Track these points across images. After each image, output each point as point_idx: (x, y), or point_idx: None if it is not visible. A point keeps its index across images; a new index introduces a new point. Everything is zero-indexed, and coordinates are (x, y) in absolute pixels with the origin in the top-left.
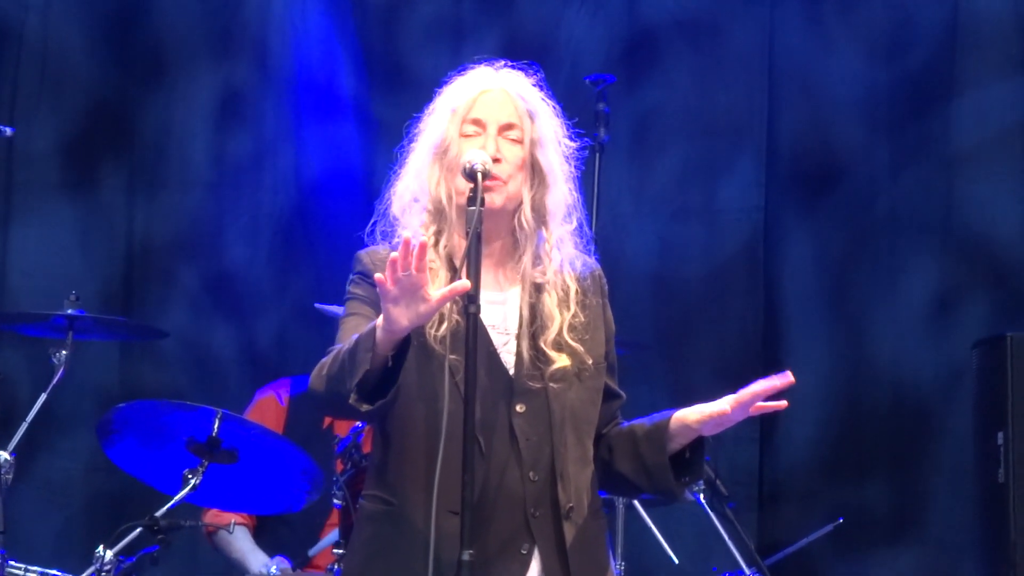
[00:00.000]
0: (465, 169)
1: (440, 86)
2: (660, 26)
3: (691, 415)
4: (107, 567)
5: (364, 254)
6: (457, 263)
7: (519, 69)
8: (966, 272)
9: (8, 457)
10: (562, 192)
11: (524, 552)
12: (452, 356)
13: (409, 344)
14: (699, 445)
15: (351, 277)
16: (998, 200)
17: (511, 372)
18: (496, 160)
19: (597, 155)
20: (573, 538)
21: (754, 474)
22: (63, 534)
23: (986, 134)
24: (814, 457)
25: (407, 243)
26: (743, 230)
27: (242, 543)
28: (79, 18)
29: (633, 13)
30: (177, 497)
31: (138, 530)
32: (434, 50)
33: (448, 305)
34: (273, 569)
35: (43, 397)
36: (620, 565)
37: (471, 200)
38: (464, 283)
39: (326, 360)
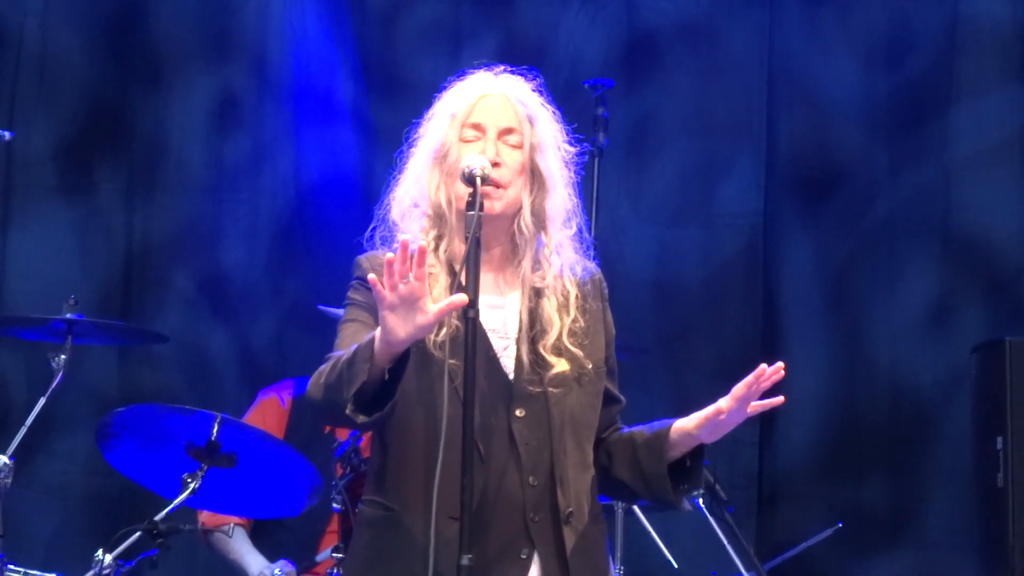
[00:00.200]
0: (464, 174)
1: (438, 90)
2: (659, 30)
3: (691, 422)
4: (106, 571)
5: (364, 259)
6: (457, 268)
7: (519, 74)
8: (965, 277)
9: (7, 461)
10: (562, 197)
11: (524, 557)
12: (451, 361)
13: (408, 358)
14: (699, 453)
15: (351, 283)
16: (997, 205)
17: (511, 377)
18: (496, 165)
19: (596, 159)
20: (573, 543)
21: (753, 478)
22: (62, 538)
23: (985, 138)
24: (813, 461)
25: (405, 246)
26: (742, 234)
27: (240, 544)
28: (78, 22)
29: (632, 17)
30: (176, 501)
31: (137, 534)
32: (432, 54)
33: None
34: (277, 572)
35: (42, 401)
36: (619, 569)
37: (470, 205)
38: (462, 297)
39: (324, 368)
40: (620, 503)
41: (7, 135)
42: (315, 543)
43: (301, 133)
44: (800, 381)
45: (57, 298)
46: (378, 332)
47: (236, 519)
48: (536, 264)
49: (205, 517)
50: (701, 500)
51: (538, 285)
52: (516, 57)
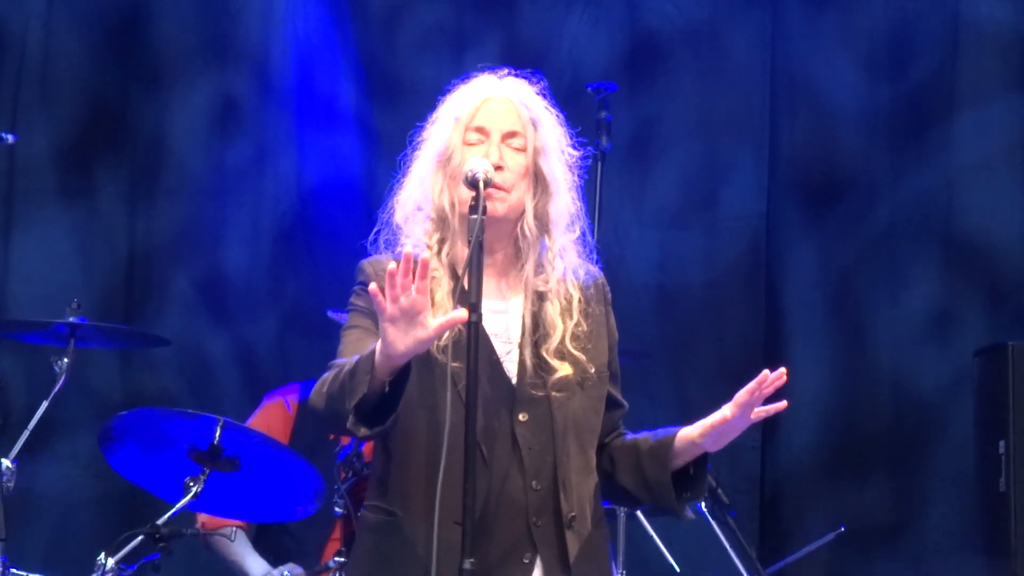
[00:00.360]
0: (467, 177)
1: (441, 94)
2: (661, 34)
3: (695, 430)
4: (108, 575)
5: (367, 264)
6: (460, 271)
7: (523, 77)
8: (967, 281)
9: (10, 464)
10: (565, 201)
11: (526, 561)
12: (454, 364)
13: (409, 372)
14: (702, 462)
15: (354, 288)
16: (999, 209)
17: (513, 381)
18: (499, 168)
19: (599, 163)
20: (575, 547)
21: (755, 481)
22: (64, 541)
23: (987, 143)
24: (815, 465)
25: (407, 258)
26: (745, 238)
27: (241, 547)
28: (81, 25)
29: (635, 21)
30: (179, 505)
31: (140, 538)
32: (434, 58)
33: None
34: (286, 574)
35: (45, 404)
36: (622, 574)
37: (473, 208)
38: (462, 313)
39: (327, 376)
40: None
41: (10, 138)
42: (320, 550)
43: (303, 137)
44: (802, 385)
45: (60, 302)
46: (378, 344)
47: (236, 522)
48: (539, 268)
49: (204, 519)
50: (703, 504)
51: (541, 289)
52: (519, 61)
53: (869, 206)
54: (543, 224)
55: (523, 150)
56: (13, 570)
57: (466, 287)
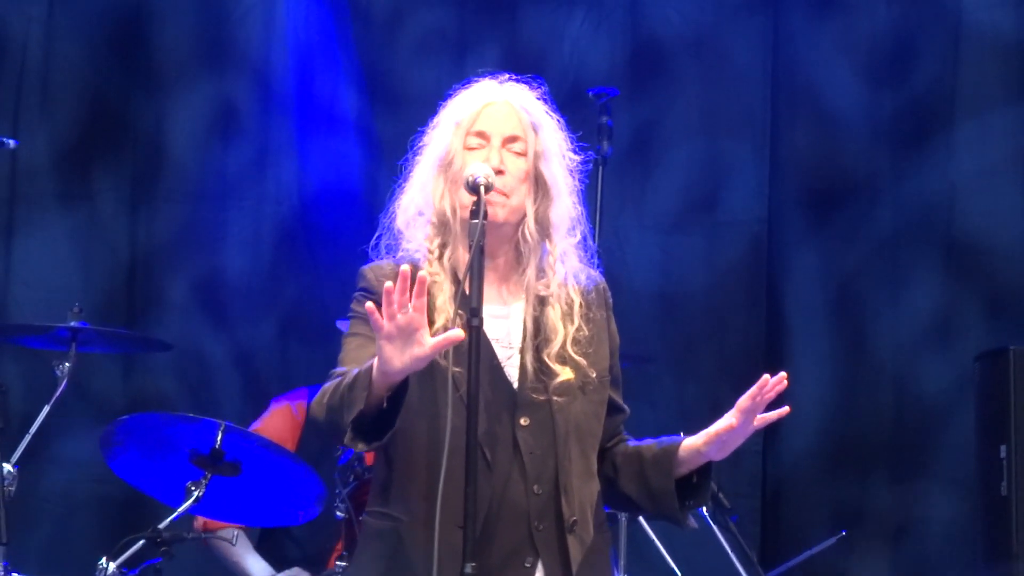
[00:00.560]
0: (468, 182)
1: (442, 99)
2: (663, 39)
3: (699, 439)
4: None
5: (368, 269)
6: (461, 276)
7: (523, 82)
8: (969, 287)
9: (11, 469)
10: (566, 205)
11: (528, 565)
12: (456, 369)
13: (407, 388)
14: (706, 470)
15: (355, 294)
16: (1001, 215)
17: (515, 386)
18: (500, 172)
19: (600, 168)
20: (577, 552)
21: (757, 485)
22: (66, 546)
23: (989, 150)
24: (817, 469)
25: (405, 276)
26: (746, 243)
27: (242, 548)
28: (82, 31)
29: (636, 26)
30: (180, 509)
31: (141, 542)
32: (436, 63)
33: (451, 319)
34: None
35: (46, 409)
36: None
37: (474, 213)
38: (458, 333)
39: (328, 387)
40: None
41: (11, 143)
42: (325, 558)
43: (303, 141)
44: (804, 388)
45: (61, 306)
46: (375, 361)
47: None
48: (540, 272)
49: (204, 520)
50: (705, 508)
51: (542, 293)
52: (520, 65)
53: (870, 211)
54: (544, 228)
55: (524, 154)
56: (15, 574)
57: (467, 292)
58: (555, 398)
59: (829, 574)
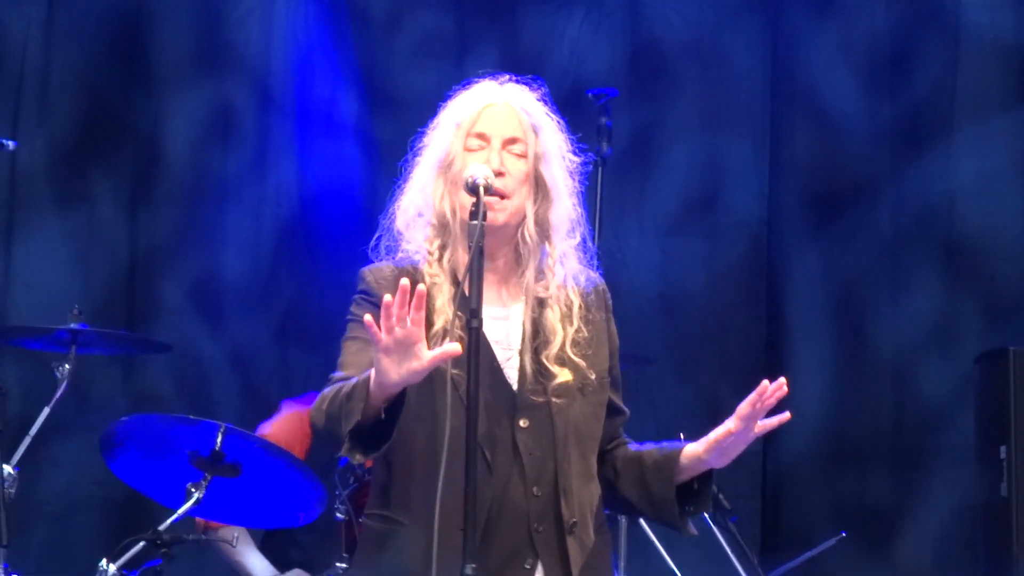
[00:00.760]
0: (467, 183)
1: (441, 101)
2: (663, 41)
3: (700, 447)
4: None
5: (367, 272)
6: (460, 277)
7: (524, 83)
8: (969, 289)
9: (11, 470)
10: (566, 207)
11: (528, 567)
12: (455, 371)
13: (404, 399)
14: (707, 477)
15: (354, 296)
16: (1000, 216)
17: (514, 387)
18: (500, 174)
19: (599, 169)
20: (577, 553)
21: (757, 487)
22: (66, 547)
23: (989, 152)
24: (817, 470)
25: (404, 290)
26: (746, 244)
27: (244, 547)
28: (81, 33)
29: (636, 27)
30: (181, 511)
31: (141, 544)
32: (435, 64)
33: (451, 320)
34: None
35: (46, 411)
36: None
37: (474, 214)
38: (455, 347)
39: (328, 393)
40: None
41: (11, 145)
42: (330, 560)
43: (302, 144)
44: (804, 389)
45: (60, 308)
46: (372, 372)
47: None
48: (540, 274)
49: (203, 521)
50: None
51: (541, 295)
52: (519, 66)
53: (871, 213)
54: (544, 230)
55: (524, 156)
56: None
57: (467, 293)
58: (554, 400)
59: (829, 575)
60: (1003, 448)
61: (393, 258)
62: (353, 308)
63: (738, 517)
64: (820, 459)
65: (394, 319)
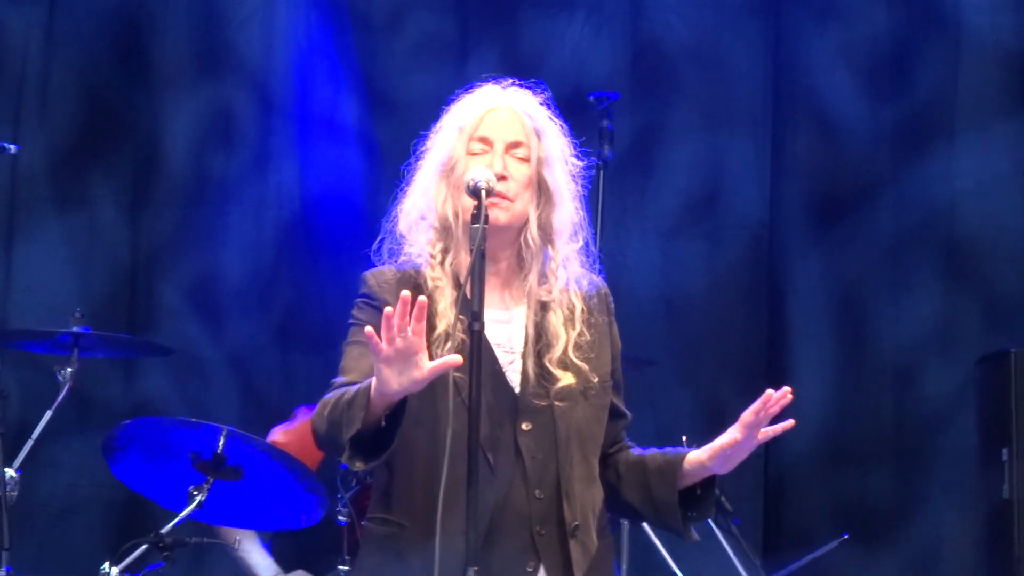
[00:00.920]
0: (469, 186)
1: (442, 104)
2: (664, 43)
3: (703, 453)
4: None
5: (370, 275)
6: (463, 281)
7: (527, 87)
8: (970, 292)
9: (14, 474)
10: (568, 211)
11: (530, 570)
12: (457, 374)
13: (405, 407)
14: (710, 484)
15: (356, 300)
16: (1002, 218)
17: (516, 391)
18: (502, 178)
19: (601, 172)
20: (579, 556)
21: (759, 489)
22: (68, 550)
23: (990, 156)
24: (819, 472)
25: (405, 302)
26: (747, 247)
27: (248, 544)
28: (82, 36)
29: (637, 31)
30: (183, 514)
31: (144, 547)
32: (436, 68)
33: (453, 323)
34: None
35: (48, 414)
36: None
37: (475, 217)
38: (456, 358)
39: (329, 399)
40: None
41: (12, 148)
42: (332, 563)
43: (303, 147)
44: (805, 391)
45: (62, 311)
46: (373, 381)
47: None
48: (542, 278)
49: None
50: None
51: (544, 299)
52: (520, 70)
53: (872, 216)
54: (547, 234)
55: (527, 160)
56: None
57: (468, 295)
58: (557, 403)
59: None
60: (1005, 450)
61: (395, 261)
62: (355, 312)
63: (740, 519)
64: (822, 461)
65: (395, 330)
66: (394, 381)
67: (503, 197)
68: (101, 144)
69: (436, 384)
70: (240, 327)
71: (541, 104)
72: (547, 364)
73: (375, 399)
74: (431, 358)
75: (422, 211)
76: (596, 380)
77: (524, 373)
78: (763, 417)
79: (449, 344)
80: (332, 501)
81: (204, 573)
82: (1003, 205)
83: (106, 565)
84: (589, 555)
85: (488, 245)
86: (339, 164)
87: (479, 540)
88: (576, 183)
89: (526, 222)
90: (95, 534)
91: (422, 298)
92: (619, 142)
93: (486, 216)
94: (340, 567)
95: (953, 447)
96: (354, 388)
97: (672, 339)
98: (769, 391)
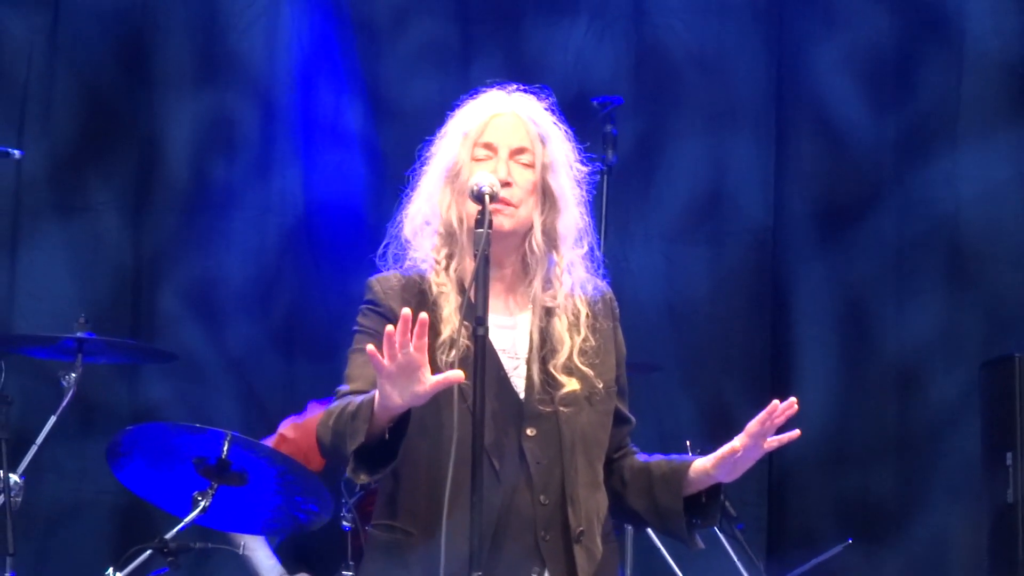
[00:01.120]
0: (472, 192)
1: (446, 109)
2: (667, 48)
3: (708, 461)
4: None
5: (375, 281)
6: (467, 286)
7: (531, 93)
8: (974, 296)
9: (18, 479)
10: (573, 216)
11: (534, 575)
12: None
13: (408, 419)
14: (716, 491)
15: (361, 307)
16: (1005, 225)
17: (521, 396)
18: (507, 184)
19: (605, 177)
20: (584, 562)
21: (763, 494)
22: (72, 556)
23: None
24: (823, 477)
25: (406, 320)
26: (752, 252)
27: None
28: (86, 42)
29: (640, 35)
30: (187, 519)
31: (148, 552)
32: (439, 73)
33: (458, 329)
34: None
35: (52, 420)
36: None
37: (479, 223)
38: (458, 374)
39: (334, 409)
40: None
41: (16, 154)
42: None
43: (306, 153)
44: (809, 396)
45: (65, 317)
46: (376, 395)
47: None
48: (547, 283)
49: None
50: None
51: (549, 304)
52: (524, 75)
53: (876, 222)
54: (551, 240)
55: (531, 166)
56: None
57: (472, 300)
58: (561, 409)
59: None
60: (1009, 455)
61: (400, 267)
62: (360, 319)
63: (744, 524)
64: (826, 465)
65: (396, 346)
66: (396, 396)
67: (507, 203)
68: (105, 150)
69: (441, 390)
70: (243, 333)
71: (546, 109)
72: (552, 370)
73: (378, 412)
74: (435, 364)
75: (427, 217)
76: (601, 386)
77: (529, 379)
78: (768, 427)
79: (453, 351)
80: (337, 506)
81: None
82: (1006, 211)
83: (110, 570)
84: (594, 561)
85: (492, 251)
86: (342, 170)
87: (484, 546)
88: (580, 188)
89: (530, 228)
90: (99, 539)
91: (423, 315)
92: (623, 147)
93: (490, 221)
94: (344, 572)
95: (957, 451)
96: (358, 400)
97: (676, 344)
98: (775, 402)
